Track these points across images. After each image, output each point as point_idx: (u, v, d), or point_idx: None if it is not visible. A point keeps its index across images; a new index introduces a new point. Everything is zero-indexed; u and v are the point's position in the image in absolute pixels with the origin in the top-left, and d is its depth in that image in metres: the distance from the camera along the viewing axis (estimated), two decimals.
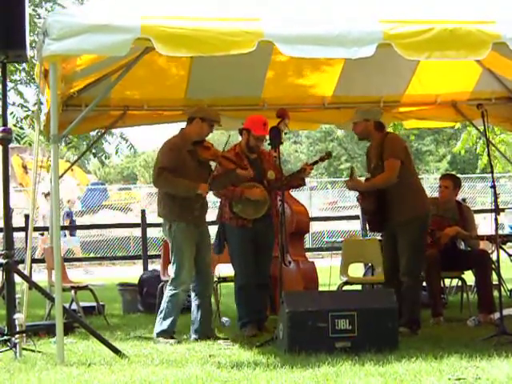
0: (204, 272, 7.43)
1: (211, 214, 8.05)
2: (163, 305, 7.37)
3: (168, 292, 7.36)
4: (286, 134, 7.44)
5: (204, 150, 7.38)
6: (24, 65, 12.14)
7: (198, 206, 7.36)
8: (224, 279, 8.74)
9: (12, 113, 12.35)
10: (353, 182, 7.72)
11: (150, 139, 76.71)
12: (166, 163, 7.28)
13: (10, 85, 12.42)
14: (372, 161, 7.76)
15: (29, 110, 12.68)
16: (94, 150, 13.04)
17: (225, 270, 8.72)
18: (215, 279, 8.46)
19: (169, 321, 7.30)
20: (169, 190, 7.35)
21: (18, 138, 12.89)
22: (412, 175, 7.66)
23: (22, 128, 12.86)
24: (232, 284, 7.94)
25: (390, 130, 12.97)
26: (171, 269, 7.47)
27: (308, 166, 7.80)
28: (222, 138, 30.42)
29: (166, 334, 7.26)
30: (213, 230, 7.71)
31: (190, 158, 7.34)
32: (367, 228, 8.12)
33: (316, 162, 8.01)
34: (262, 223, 7.69)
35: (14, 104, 12.64)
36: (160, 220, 7.58)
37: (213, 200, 11.45)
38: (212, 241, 7.70)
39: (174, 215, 7.35)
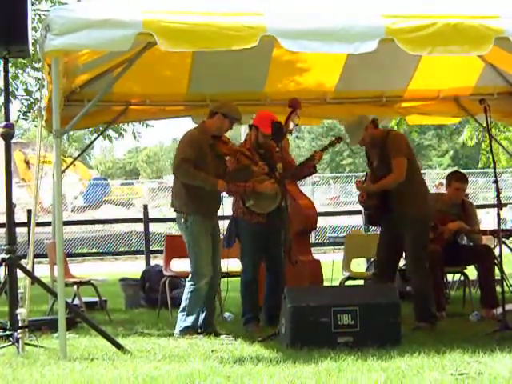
0: (214, 264, 7.39)
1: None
2: (184, 301, 7.30)
3: (188, 287, 7.30)
4: (297, 125, 7.37)
5: (222, 144, 7.39)
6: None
7: (214, 198, 7.33)
8: (227, 274, 8.64)
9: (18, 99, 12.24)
10: (364, 186, 7.71)
11: (152, 134, 76.75)
12: (187, 154, 7.23)
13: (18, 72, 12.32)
14: (373, 159, 7.75)
15: (32, 100, 12.54)
16: (107, 132, 12.65)
17: (232, 264, 8.65)
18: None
19: (193, 317, 7.25)
20: (188, 181, 7.30)
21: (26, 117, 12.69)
22: (415, 171, 7.66)
23: (27, 114, 12.66)
24: (238, 279, 7.92)
25: (393, 123, 13.00)
26: (190, 263, 7.43)
27: (318, 152, 7.77)
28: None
29: (192, 329, 7.22)
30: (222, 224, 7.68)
31: (209, 152, 7.34)
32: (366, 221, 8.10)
33: (326, 148, 7.95)
34: (275, 218, 7.62)
35: (17, 89, 12.50)
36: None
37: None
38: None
39: (190, 208, 7.31)
